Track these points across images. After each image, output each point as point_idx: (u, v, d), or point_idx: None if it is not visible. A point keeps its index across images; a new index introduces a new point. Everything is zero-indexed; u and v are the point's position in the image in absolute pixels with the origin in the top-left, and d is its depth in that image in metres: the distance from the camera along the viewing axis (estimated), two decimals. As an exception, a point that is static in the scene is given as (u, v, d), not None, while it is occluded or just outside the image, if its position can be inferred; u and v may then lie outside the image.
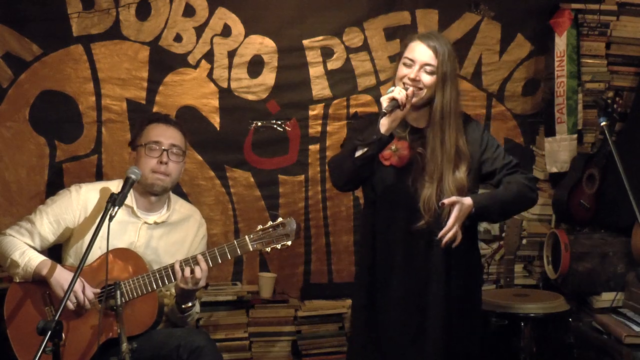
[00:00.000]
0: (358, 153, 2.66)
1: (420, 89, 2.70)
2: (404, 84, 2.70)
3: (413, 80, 2.69)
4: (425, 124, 2.79)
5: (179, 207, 3.17)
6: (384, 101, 2.63)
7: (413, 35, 2.81)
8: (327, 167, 2.90)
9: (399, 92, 2.63)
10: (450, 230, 2.63)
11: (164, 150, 3.00)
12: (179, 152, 3.05)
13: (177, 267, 2.86)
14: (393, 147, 2.75)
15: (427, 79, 2.70)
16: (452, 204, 2.63)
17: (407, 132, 2.78)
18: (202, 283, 2.87)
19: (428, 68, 2.69)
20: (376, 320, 2.79)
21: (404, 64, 2.73)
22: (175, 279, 2.87)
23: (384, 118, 2.62)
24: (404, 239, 2.76)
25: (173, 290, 3.07)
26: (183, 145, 3.08)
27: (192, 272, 2.84)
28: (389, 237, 2.78)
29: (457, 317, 2.76)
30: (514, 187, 2.76)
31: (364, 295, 2.82)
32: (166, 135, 3.03)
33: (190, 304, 2.98)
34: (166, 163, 2.99)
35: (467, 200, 2.66)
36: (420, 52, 2.71)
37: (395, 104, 2.61)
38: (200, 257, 2.86)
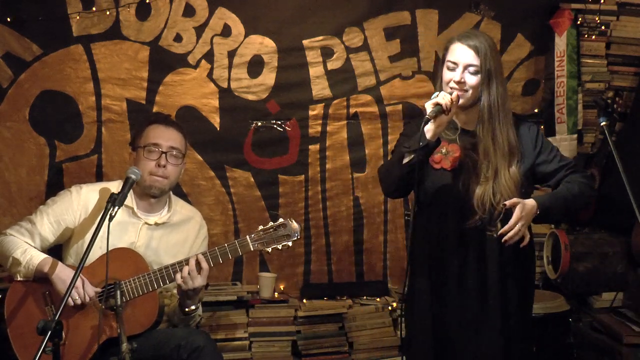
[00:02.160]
0: (405, 160, 2.63)
1: (466, 90, 2.67)
2: (451, 88, 2.67)
3: (458, 82, 2.66)
4: (474, 125, 2.75)
5: (180, 209, 3.16)
6: (428, 107, 2.60)
7: (453, 37, 2.76)
8: (378, 175, 2.88)
9: (442, 97, 2.60)
10: (511, 229, 2.59)
11: (163, 152, 2.99)
12: (178, 154, 3.04)
13: (178, 275, 2.85)
14: (444, 151, 2.73)
15: (472, 79, 2.67)
16: (514, 205, 2.60)
17: (458, 135, 2.76)
18: (200, 282, 2.86)
19: (472, 69, 2.67)
20: (440, 319, 2.77)
21: (448, 68, 2.70)
22: (175, 279, 2.87)
23: (429, 124, 2.60)
24: (456, 242, 2.74)
25: (174, 291, 3.07)
26: (182, 147, 3.07)
27: (188, 272, 2.84)
28: (440, 240, 2.76)
29: (513, 315, 2.74)
30: (575, 187, 2.73)
31: (427, 296, 2.79)
32: (165, 137, 3.02)
33: (193, 307, 2.97)
34: (164, 166, 2.99)
35: (530, 202, 2.63)
36: (462, 53, 2.68)
37: (439, 109, 2.59)
38: (200, 256, 2.86)
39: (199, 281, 2.85)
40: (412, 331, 2.88)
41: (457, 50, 2.69)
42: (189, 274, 2.83)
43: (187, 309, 2.95)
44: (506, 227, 2.61)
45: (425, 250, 2.80)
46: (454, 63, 2.68)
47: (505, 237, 2.60)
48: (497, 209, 2.67)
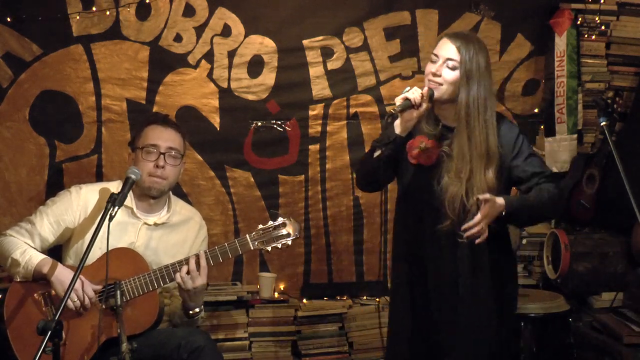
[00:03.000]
0: (375, 154, 2.66)
1: (440, 84, 2.67)
2: (428, 81, 2.69)
3: (434, 74, 2.67)
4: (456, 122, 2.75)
5: (180, 209, 3.16)
6: (397, 101, 2.61)
7: (443, 33, 2.81)
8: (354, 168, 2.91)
9: (412, 92, 2.61)
10: (475, 225, 2.59)
11: (161, 153, 2.99)
12: (177, 154, 3.04)
13: (178, 275, 2.84)
14: (422, 145, 2.72)
15: (448, 73, 2.66)
16: (486, 201, 2.59)
17: (439, 130, 2.75)
18: (200, 282, 2.85)
19: (450, 63, 2.66)
20: (415, 309, 2.79)
21: (431, 60, 2.72)
22: (175, 278, 2.87)
23: (398, 119, 2.61)
24: (431, 238, 2.74)
25: (174, 292, 3.07)
26: (181, 147, 3.07)
27: (188, 271, 2.83)
28: (417, 235, 2.77)
29: (486, 317, 2.74)
30: (545, 195, 2.71)
31: (404, 285, 2.81)
32: (163, 138, 3.01)
33: (197, 310, 2.97)
34: (163, 167, 2.98)
35: (500, 200, 2.62)
36: (445, 47, 2.69)
37: (407, 103, 2.60)
38: (201, 253, 2.86)
39: (200, 281, 2.84)
40: (391, 325, 2.92)
41: (442, 44, 2.72)
42: (188, 273, 2.83)
43: (190, 312, 2.95)
44: (470, 223, 2.60)
45: (404, 246, 2.81)
46: (436, 56, 2.70)
47: (467, 233, 2.60)
48: (469, 212, 2.65)
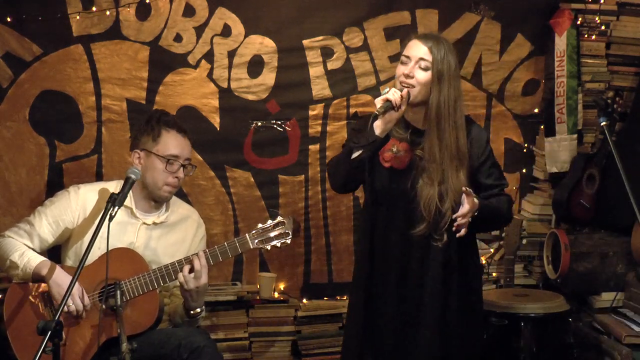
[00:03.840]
0: (354, 155, 2.65)
1: (413, 86, 2.67)
2: (400, 83, 2.69)
3: (407, 76, 2.67)
4: (425, 125, 2.76)
5: (177, 208, 3.16)
6: (378, 102, 2.61)
7: (412, 35, 2.80)
8: (326, 168, 2.89)
9: (392, 94, 2.61)
10: (464, 216, 2.60)
11: (182, 165, 3.00)
12: (192, 164, 3.08)
13: (180, 275, 2.84)
14: (394, 149, 2.74)
15: (421, 74, 2.67)
16: (468, 193, 2.60)
17: (409, 133, 2.76)
18: (203, 282, 2.84)
19: (423, 63, 2.67)
20: (373, 316, 2.79)
21: (401, 62, 2.72)
22: (175, 278, 2.87)
23: (378, 120, 2.61)
24: (401, 242, 2.75)
25: (174, 291, 3.07)
26: (191, 154, 3.10)
27: (192, 269, 2.83)
28: (386, 239, 2.78)
29: (453, 316, 2.76)
30: (505, 205, 2.80)
31: (362, 291, 2.81)
32: (183, 148, 3.01)
33: (199, 310, 2.96)
34: (181, 177, 3.02)
35: (477, 199, 2.65)
36: (416, 48, 2.69)
37: (388, 105, 2.59)
38: (201, 253, 2.86)
39: (202, 280, 2.84)
40: (346, 324, 2.94)
41: (412, 45, 2.71)
42: (190, 273, 2.83)
43: (192, 312, 2.95)
44: (461, 213, 2.60)
45: (368, 247, 2.80)
46: (407, 57, 2.70)
47: (458, 222, 2.60)
48: (444, 215, 2.67)
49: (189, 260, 2.86)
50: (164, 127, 3.01)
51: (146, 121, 3.08)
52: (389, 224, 2.77)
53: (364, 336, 2.79)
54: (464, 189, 2.61)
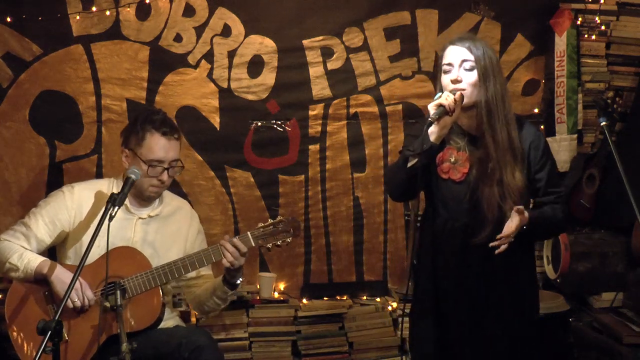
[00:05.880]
0: (409, 163, 2.58)
1: (464, 89, 2.60)
2: (450, 91, 2.60)
3: (455, 81, 2.60)
4: (480, 129, 2.66)
5: (170, 200, 3.18)
6: (431, 108, 2.54)
7: (446, 42, 2.71)
8: (383, 176, 2.83)
9: (446, 98, 2.54)
10: (506, 237, 2.54)
11: (165, 168, 2.98)
12: (179, 163, 3.04)
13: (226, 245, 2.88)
14: (452, 159, 2.68)
15: (468, 76, 2.60)
16: (519, 212, 2.53)
17: (466, 141, 2.69)
18: (242, 256, 2.89)
19: (467, 64, 2.61)
20: (439, 320, 2.76)
21: (444, 72, 2.64)
22: (178, 275, 2.90)
23: (432, 126, 2.55)
24: (461, 252, 2.69)
25: (205, 272, 3.11)
26: (180, 152, 3.06)
27: (235, 249, 2.86)
28: (445, 249, 2.72)
29: (514, 322, 2.72)
30: (560, 215, 2.70)
31: (429, 298, 2.76)
32: (167, 151, 2.98)
33: (241, 279, 3.01)
34: (166, 180, 3.01)
35: (527, 215, 2.58)
36: (455, 52, 2.63)
37: (442, 110, 2.53)
38: (235, 240, 2.89)
39: (243, 260, 2.89)
40: (415, 333, 2.87)
41: (450, 51, 2.65)
42: (233, 253, 2.87)
43: (237, 282, 2.99)
44: (505, 234, 2.54)
45: (430, 258, 2.76)
46: (449, 64, 2.63)
47: (495, 243, 2.55)
48: (504, 215, 2.60)
49: (233, 242, 2.87)
50: (149, 129, 2.97)
51: (133, 121, 3.07)
52: (449, 238, 2.71)
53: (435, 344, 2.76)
54: (515, 208, 2.54)
